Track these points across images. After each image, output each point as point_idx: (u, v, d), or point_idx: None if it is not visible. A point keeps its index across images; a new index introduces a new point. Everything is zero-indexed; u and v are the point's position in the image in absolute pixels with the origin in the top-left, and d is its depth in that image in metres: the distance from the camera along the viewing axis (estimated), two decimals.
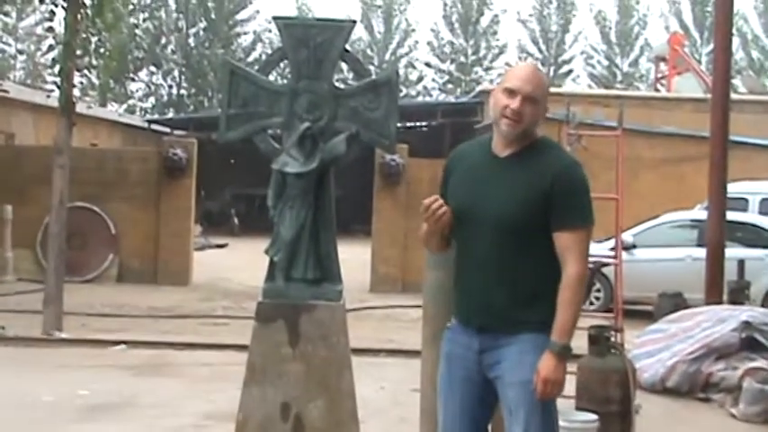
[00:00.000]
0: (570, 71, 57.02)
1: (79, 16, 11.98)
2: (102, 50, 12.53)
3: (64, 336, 11.87)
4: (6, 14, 24.09)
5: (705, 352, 9.54)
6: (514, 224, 3.94)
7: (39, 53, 52.00)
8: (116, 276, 19.02)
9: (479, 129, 24.81)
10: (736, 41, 45.66)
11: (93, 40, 12.38)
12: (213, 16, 51.18)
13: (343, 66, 6.26)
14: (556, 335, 3.86)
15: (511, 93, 4.00)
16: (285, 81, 5.98)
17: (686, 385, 9.48)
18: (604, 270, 13.06)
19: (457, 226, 4.10)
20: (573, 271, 3.88)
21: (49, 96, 23.80)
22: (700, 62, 45.60)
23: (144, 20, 46.69)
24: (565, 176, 3.94)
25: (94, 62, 12.66)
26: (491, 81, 51.77)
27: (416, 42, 56.28)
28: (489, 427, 4.24)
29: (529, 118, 4.00)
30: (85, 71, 13.05)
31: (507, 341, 3.95)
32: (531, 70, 4.10)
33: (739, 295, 11.43)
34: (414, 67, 55.98)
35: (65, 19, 12.05)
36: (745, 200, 17.04)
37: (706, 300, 11.03)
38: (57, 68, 12.36)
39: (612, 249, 11.10)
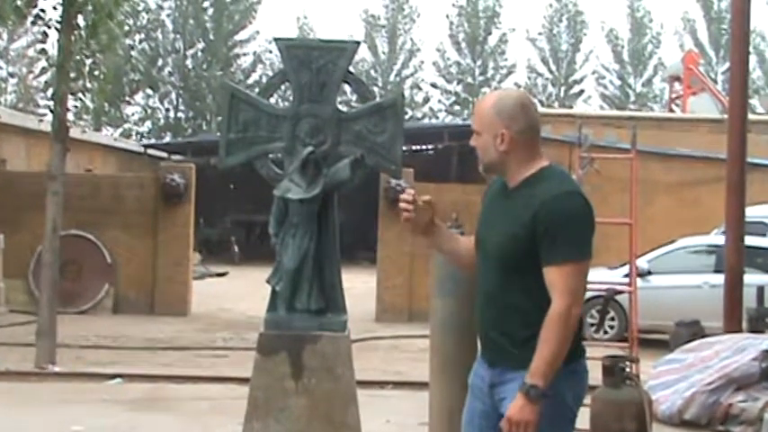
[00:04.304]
0: (581, 91, 56.79)
1: (73, 38, 11.94)
2: (96, 73, 12.44)
3: (58, 369, 11.80)
4: None
5: (724, 382, 9.48)
6: (503, 258, 3.89)
7: (31, 76, 51.78)
8: (112, 307, 18.85)
9: None
10: (752, 60, 45.67)
11: (88, 62, 12.30)
12: (212, 37, 51.17)
13: (347, 88, 6.22)
14: (528, 374, 3.72)
15: None
16: (287, 104, 6.09)
17: (705, 417, 9.43)
18: (618, 298, 13.10)
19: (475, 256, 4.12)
20: (553, 308, 3.71)
21: (41, 121, 23.76)
22: (715, 81, 45.49)
23: (140, 41, 46.87)
24: (548, 208, 3.77)
25: (89, 85, 12.55)
26: None
27: (422, 63, 56.10)
28: None
29: (481, 152, 3.98)
30: (79, 94, 12.92)
31: (512, 377, 3.85)
32: (477, 103, 4.07)
33: (759, 323, 11.47)
34: (419, 89, 55.84)
35: (58, 41, 12.01)
36: (765, 224, 16.89)
37: (725, 328, 10.98)
38: (50, 92, 12.34)
39: (627, 276, 11.30)
